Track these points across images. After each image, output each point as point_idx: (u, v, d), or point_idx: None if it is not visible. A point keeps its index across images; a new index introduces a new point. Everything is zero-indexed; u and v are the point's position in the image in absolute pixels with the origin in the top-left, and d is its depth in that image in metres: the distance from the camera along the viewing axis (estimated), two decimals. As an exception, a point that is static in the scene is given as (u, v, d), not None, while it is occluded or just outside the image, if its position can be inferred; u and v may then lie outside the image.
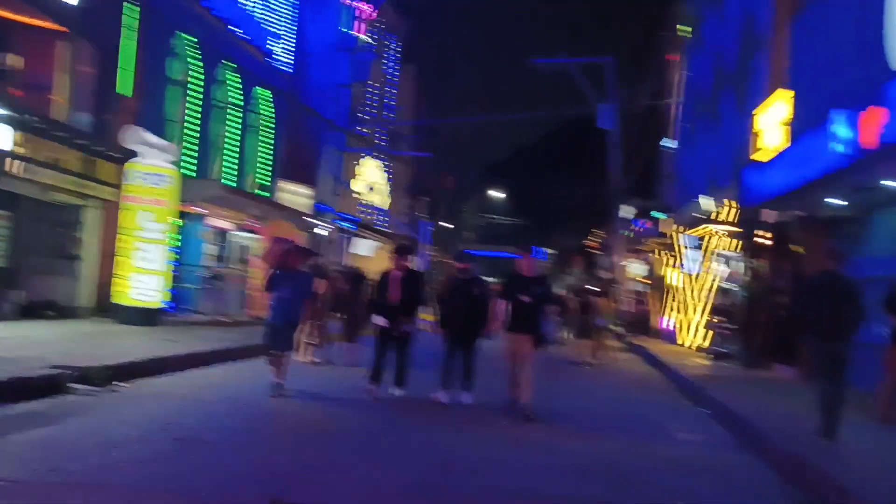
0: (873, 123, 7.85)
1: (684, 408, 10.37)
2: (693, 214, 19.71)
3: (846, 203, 11.54)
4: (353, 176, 29.99)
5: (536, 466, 6.26)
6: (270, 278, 9.24)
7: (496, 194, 57.09)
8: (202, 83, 19.71)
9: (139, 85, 16.67)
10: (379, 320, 9.33)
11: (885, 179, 9.24)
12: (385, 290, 9.38)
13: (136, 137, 15.16)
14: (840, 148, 8.60)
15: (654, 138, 27.44)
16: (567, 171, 55.35)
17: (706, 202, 18.68)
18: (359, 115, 27.48)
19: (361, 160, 30.75)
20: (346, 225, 26.92)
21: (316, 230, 25.10)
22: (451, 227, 49.53)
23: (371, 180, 31.50)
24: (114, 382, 8.62)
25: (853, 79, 9.61)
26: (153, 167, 15.22)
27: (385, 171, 32.92)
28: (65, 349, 10.09)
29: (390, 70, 33.53)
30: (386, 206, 33.00)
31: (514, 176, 62.31)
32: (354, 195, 30.01)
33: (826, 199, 11.48)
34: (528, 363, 8.68)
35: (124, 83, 16.18)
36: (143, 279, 14.66)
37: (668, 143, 25.61)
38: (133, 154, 15.34)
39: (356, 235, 29.32)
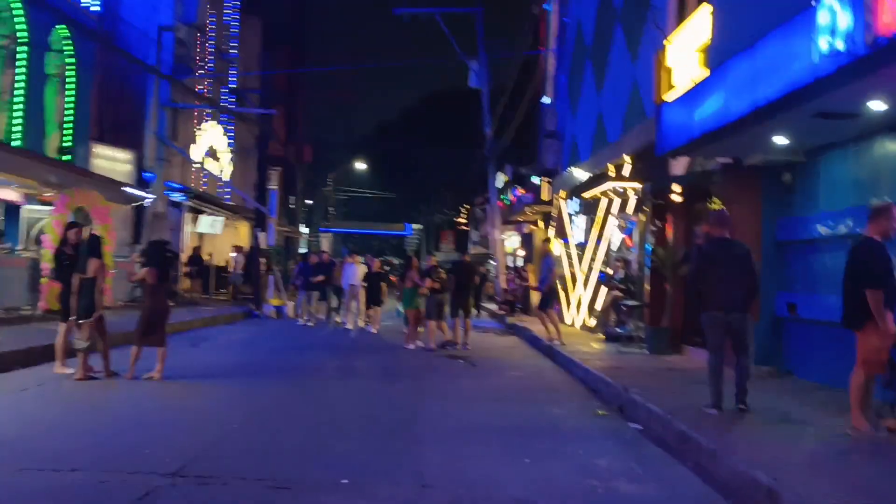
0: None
1: (606, 422, 7.47)
2: (578, 176, 17.16)
3: (790, 144, 9.02)
4: (191, 140, 25.72)
5: None
6: None
7: (361, 167, 53.43)
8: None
9: None
10: None
11: (880, 90, 6.57)
12: None
13: None
14: (839, 44, 5.81)
15: (531, 97, 24.76)
16: (437, 142, 52.70)
17: (592, 161, 16.23)
18: (188, 65, 23.24)
19: (199, 121, 26.49)
20: (178, 197, 22.72)
21: (143, 203, 20.93)
22: (310, 202, 45.60)
23: (210, 145, 27.20)
24: None
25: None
26: None
27: (227, 135, 28.65)
28: None
29: (228, 18, 29.17)
30: (227, 176, 28.74)
31: (381, 148, 59.13)
32: (194, 163, 25.76)
33: (765, 139, 8.90)
34: None
35: None
36: None
37: (546, 99, 22.95)
38: None
39: (195, 210, 25.11)
